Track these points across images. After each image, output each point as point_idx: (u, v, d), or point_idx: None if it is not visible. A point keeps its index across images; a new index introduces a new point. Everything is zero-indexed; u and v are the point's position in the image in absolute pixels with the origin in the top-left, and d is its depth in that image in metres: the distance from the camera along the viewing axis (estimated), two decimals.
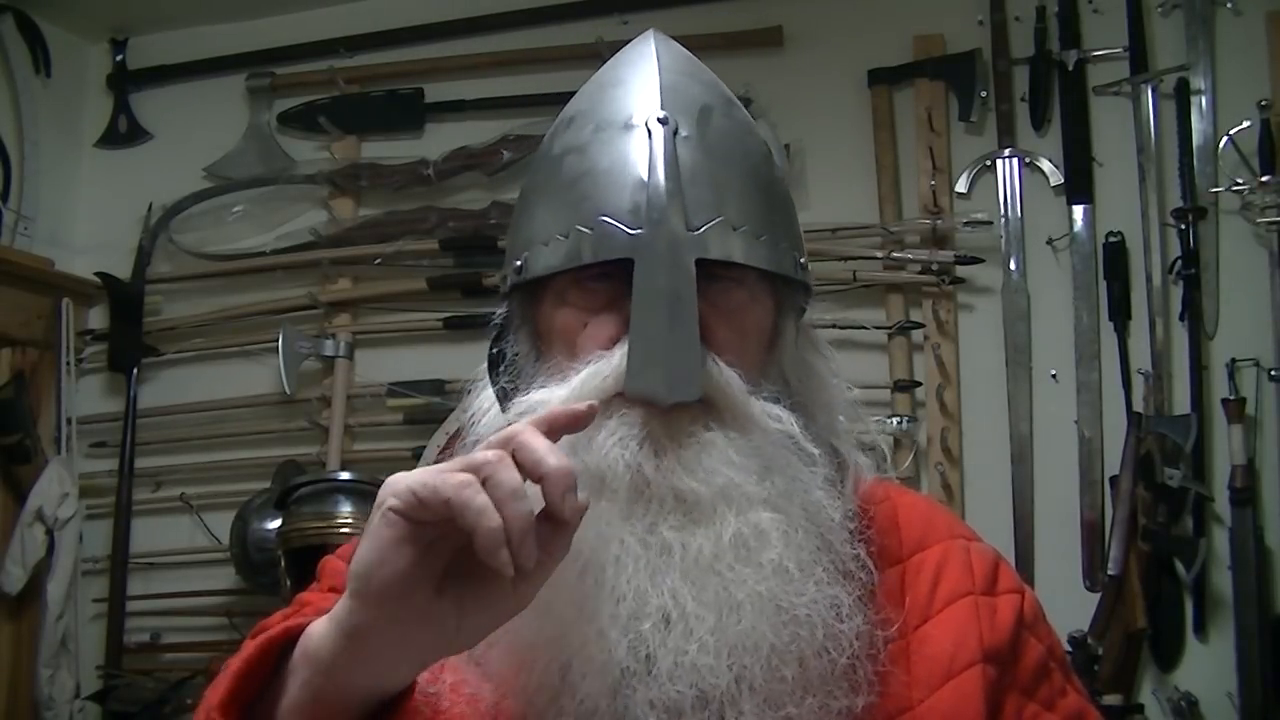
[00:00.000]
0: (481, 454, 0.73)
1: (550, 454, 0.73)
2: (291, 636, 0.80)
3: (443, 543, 0.73)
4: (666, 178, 0.88)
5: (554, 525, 0.73)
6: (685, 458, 0.86)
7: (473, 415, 0.99)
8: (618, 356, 0.88)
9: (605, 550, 0.84)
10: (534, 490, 0.73)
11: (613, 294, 0.90)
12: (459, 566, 0.74)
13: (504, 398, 0.96)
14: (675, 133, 0.91)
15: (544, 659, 0.83)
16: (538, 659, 0.83)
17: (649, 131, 0.91)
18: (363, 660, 0.75)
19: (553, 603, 0.82)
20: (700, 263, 0.88)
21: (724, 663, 0.82)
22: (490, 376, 0.99)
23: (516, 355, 0.97)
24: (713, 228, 0.89)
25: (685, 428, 0.87)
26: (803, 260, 0.98)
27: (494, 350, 0.99)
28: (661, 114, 0.92)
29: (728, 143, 0.94)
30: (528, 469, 0.72)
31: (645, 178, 0.89)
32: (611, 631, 0.82)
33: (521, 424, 0.75)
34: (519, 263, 0.95)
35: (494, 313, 1.01)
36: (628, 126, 0.92)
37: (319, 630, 0.77)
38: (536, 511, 0.73)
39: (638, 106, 0.93)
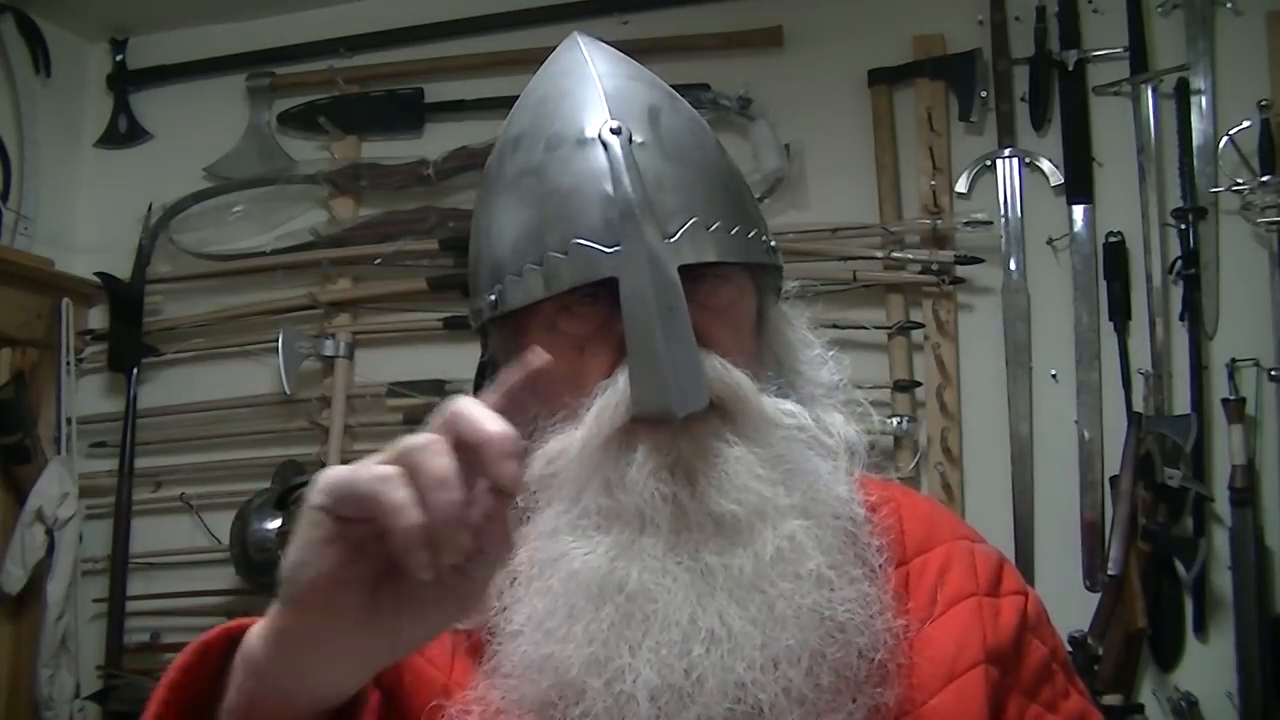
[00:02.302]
0: (412, 439, 0.67)
1: (489, 420, 0.66)
2: (233, 638, 0.77)
3: (377, 542, 0.66)
4: (633, 188, 0.87)
5: (495, 512, 0.67)
6: (715, 478, 0.85)
7: None
8: (622, 381, 0.87)
9: (655, 581, 0.83)
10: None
11: (603, 315, 0.89)
12: (398, 570, 0.68)
13: None
14: (630, 140, 0.89)
15: (590, 684, 0.82)
16: (584, 685, 0.82)
17: (604, 144, 0.89)
18: (294, 664, 0.71)
19: (599, 632, 0.82)
20: (685, 267, 0.87)
21: (769, 676, 0.81)
22: None
23: None
24: (687, 231, 0.88)
25: (709, 444, 0.86)
26: (771, 243, 0.97)
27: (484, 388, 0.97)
28: (614, 124, 0.90)
29: (682, 140, 0.93)
30: (466, 439, 0.66)
31: (611, 192, 0.87)
32: (666, 654, 0.81)
33: (463, 398, 0.69)
34: (492, 297, 0.93)
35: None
36: (581, 141, 0.90)
37: (255, 632, 0.74)
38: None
39: (587, 118, 0.91)
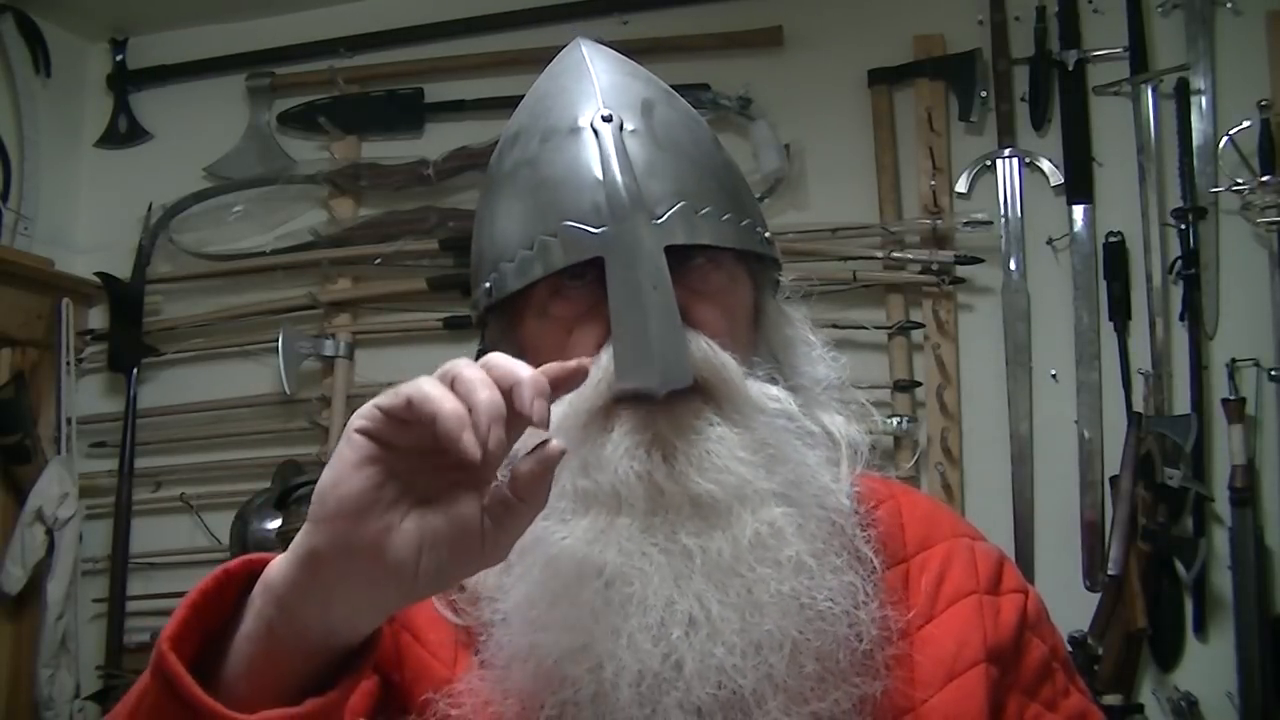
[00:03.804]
0: (449, 364, 0.71)
1: (519, 365, 0.70)
2: (253, 570, 0.77)
3: (409, 478, 0.71)
4: (622, 172, 0.88)
5: (538, 467, 0.71)
6: (695, 457, 0.85)
7: None
8: (606, 359, 0.88)
9: (630, 564, 0.83)
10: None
11: (592, 297, 0.89)
12: (428, 507, 0.71)
13: None
14: (621, 128, 0.91)
15: (572, 673, 0.82)
16: (567, 673, 0.83)
17: (595, 131, 0.91)
18: (316, 590, 0.72)
19: (579, 619, 0.82)
20: (674, 251, 0.87)
21: (750, 662, 0.82)
22: None
23: None
24: (676, 213, 0.89)
25: (690, 422, 0.86)
26: (768, 235, 0.98)
27: None
28: (605, 112, 0.91)
29: (675, 132, 0.94)
30: (499, 380, 0.70)
31: (600, 176, 0.89)
32: (642, 640, 0.82)
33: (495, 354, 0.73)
34: (488, 284, 0.94)
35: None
36: (573, 130, 0.92)
37: (278, 561, 0.75)
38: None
39: (580, 109, 0.93)
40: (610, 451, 0.86)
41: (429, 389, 0.68)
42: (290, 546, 0.73)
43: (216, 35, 3.12)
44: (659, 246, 0.87)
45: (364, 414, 0.70)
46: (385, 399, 0.70)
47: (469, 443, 0.66)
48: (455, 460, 0.68)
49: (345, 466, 0.70)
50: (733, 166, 0.99)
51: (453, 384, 0.69)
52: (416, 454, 0.70)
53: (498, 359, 0.71)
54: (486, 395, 0.68)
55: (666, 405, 0.86)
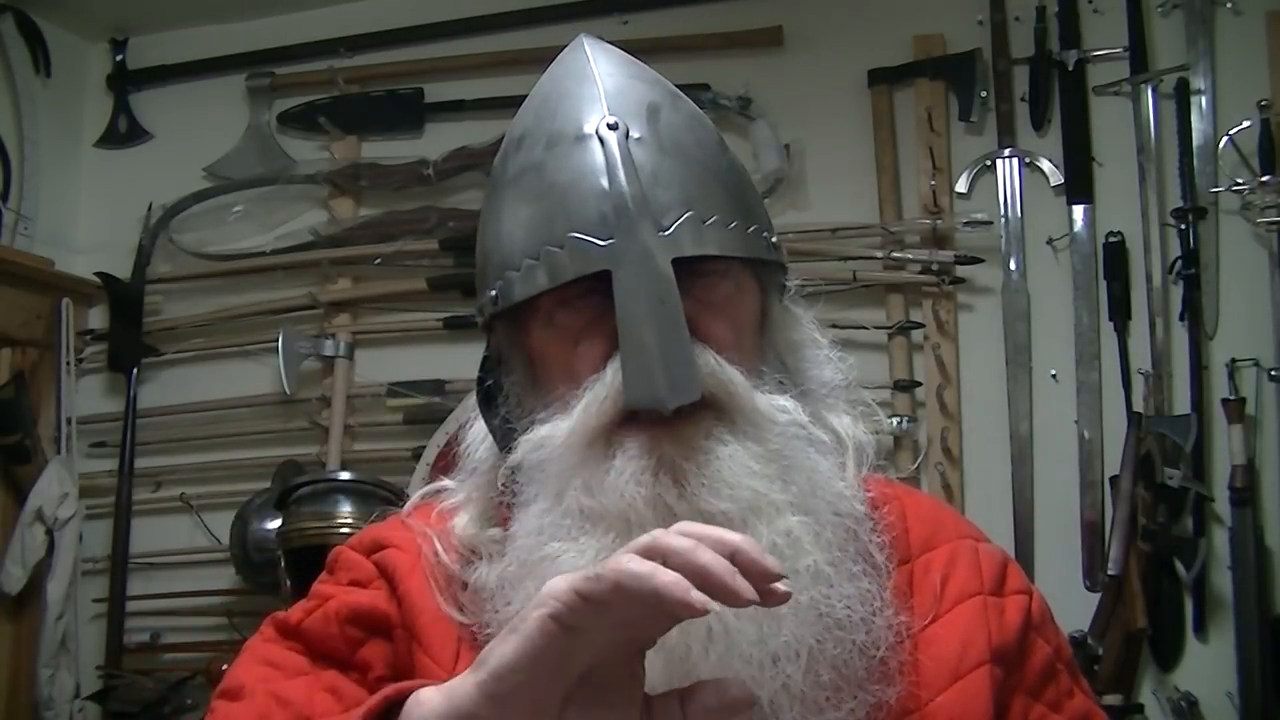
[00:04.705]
0: (647, 538, 0.68)
1: (730, 532, 0.68)
2: (390, 703, 0.76)
3: (588, 651, 0.69)
4: (628, 183, 0.87)
5: (711, 712, 0.69)
6: (706, 477, 0.84)
7: (468, 447, 0.99)
8: (610, 374, 0.87)
9: None
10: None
11: (599, 309, 0.88)
12: (595, 692, 0.70)
13: (503, 431, 0.95)
14: (627, 136, 0.90)
15: None
16: None
17: (601, 140, 0.90)
18: None
19: None
20: (680, 261, 0.87)
21: (767, 673, 0.81)
22: (483, 411, 0.98)
23: (512, 385, 0.95)
24: (683, 225, 0.88)
25: (698, 443, 0.85)
26: (774, 239, 0.97)
27: (488, 383, 0.97)
28: (611, 119, 0.90)
29: (681, 137, 0.93)
30: (714, 545, 0.66)
31: (607, 186, 0.88)
32: (654, 655, 0.79)
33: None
34: (494, 292, 0.93)
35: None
36: (579, 138, 0.91)
37: (431, 705, 0.73)
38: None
39: (585, 115, 0.92)
40: (614, 479, 0.85)
41: (637, 566, 0.65)
42: (448, 696, 0.72)
43: (216, 35, 3.12)
44: (667, 259, 0.86)
45: (561, 598, 0.67)
46: (586, 584, 0.66)
47: (699, 599, 0.63)
48: (635, 646, 0.68)
49: (527, 652, 0.67)
50: (738, 168, 0.98)
51: (664, 558, 0.66)
52: (602, 635, 0.68)
53: (696, 528, 0.68)
54: (710, 556, 0.65)
55: (672, 427, 0.85)
